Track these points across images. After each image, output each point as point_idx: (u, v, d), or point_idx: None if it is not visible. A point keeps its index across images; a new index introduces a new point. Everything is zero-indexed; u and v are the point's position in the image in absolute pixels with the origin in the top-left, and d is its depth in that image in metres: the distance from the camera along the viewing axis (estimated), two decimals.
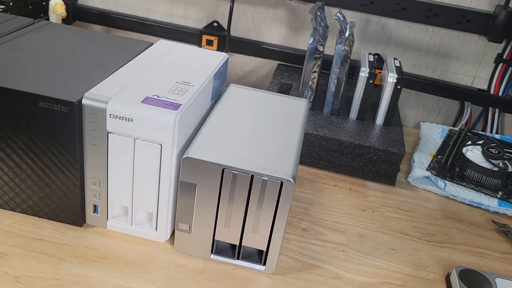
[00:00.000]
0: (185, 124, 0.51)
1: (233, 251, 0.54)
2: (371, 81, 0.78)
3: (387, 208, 0.69)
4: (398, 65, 0.81)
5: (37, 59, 0.55)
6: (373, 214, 0.67)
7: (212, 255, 0.53)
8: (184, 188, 0.50)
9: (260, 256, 0.54)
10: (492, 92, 0.94)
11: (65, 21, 1.00)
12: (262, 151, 0.51)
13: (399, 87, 0.77)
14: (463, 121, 0.97)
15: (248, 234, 0.51)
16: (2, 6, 0.84)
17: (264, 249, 0.52)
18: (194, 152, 0.48)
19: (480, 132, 0.89)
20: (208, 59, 0.63)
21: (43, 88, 0.49)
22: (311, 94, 0.81)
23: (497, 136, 0.90)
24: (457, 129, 0.89)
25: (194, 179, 0.49)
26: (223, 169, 0.48)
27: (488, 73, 0.94)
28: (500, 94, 0.94)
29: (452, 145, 0.81)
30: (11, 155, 0.52)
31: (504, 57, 0.91)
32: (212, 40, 0.98)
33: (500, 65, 0.92)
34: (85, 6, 1.03)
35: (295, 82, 0.91)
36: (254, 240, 0.52)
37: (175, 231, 0.53)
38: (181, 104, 0.49)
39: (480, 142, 0.81)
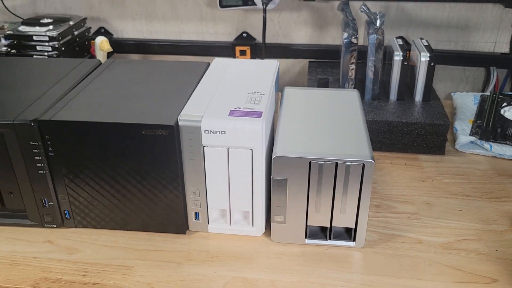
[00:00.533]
0: (267, 128, 0.57)
1: (324, 233, 0.61)
2: (405, 63, 0.84)
3: (444, 176, 0.75)
4: (427, 44, 0.87)
5: (122, 93, 0.62)
6: (433, 183, 0.73)
7: (306, 239, 0.60)
8: (277, 184, 0.56)
9: (348, 234, 0.60)
10: None
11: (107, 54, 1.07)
12: (337, 140, 0.57)
13: (432, 64, 0.83)
14: (491, 86, 1.03)
15: (337, 215, 0.58)
16: (56, 52, 0.92)
17: (353, 226, 0.59)
18: (281, 151, 0.55)
19: (510, 93, 0.94)
20: (263, 68, 0.70)
21: (143, 117, 0.56)
22: (352, 84, 0.87)
23: None
24: (487, 94, 0.95)
25: (284, 175, 0.56)
26: (310, 162, 0.55)
27: (507, 37, 1.00)
28: None
29: (489, 109, 0.87)
30: (120, 180, 0.59)
31: None
32: (245, 50, 1.05)
33: None
34: (121, 38, 1.10)
35: (330, 75, 0.98)
36: (343, 220, 0.58)
37: (271, 223, 0.60)
38: (262, 111, 0.56)
39: None
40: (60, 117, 0.56)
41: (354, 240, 0.60)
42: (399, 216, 0.66)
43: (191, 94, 0.62)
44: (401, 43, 0.88)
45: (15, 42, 0.92)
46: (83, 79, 0.68)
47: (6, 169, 0.59)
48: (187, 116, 0.56)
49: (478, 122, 0.86)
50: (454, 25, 1.00)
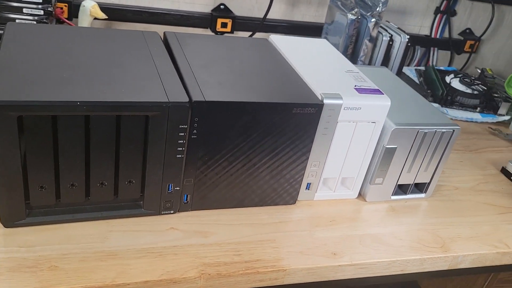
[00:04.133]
0: None
1: (400, 189, 0.72)
2: (391, 43, 0.99)
3: None
4: (397, 27, 1.04)
5: (234, 71, 0.61)
6: None
7: (392, 196, 0.71)
8: (387, 152, 0.66)
9: (417, 188, 0.73)
10: (432, 36, 1.25)
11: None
12: (422, 111, 0.69)
13: (409, 44, 1.01)
14: (415, 61, 1.27)
15: (421, 173, 0.70)
16: (46, 16, 0.78)
17: (428, 181, 0.72)
18: (398, 123, 0.64)
19: (442, 68, 1.20)
20: (323, 46, 0.76)
21: (291, 97, 0.57)
22: None
23: (442, 67, 1.22)
24: (421, 68, 1.18)
25: (395, 143, 0.65)
26: (418, 131, 0.65)
27: (430, 22, 1.24)
28: (438, 36, 1.26)
29: (437, 80, 1.09)
30: (253, 159, 0.59)
31: (441, 8, 1.22)
32: (227, 23, 1.06)
33: (438, 15, 1.23)
34: None
35: None
36: (423, 176, 0.71)
37: (370, 185, 0.69)
38: (378, 89, 0.64)
39: (452, 75, 1.12)
40: (212, 97, 0.54)
41: (425, 192, 0.73)
42: None
43: (299, 73, 0.65)
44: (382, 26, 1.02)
45: None
46: (171, 54, 0.63)
47: (134, 157, 0.54)
48: (327, 94, 0.60)
49: (428, 91, 1.08)
50: (395, 10, 1.19)
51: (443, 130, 0.67)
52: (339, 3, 0.98)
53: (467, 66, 1.32)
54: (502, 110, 1.06)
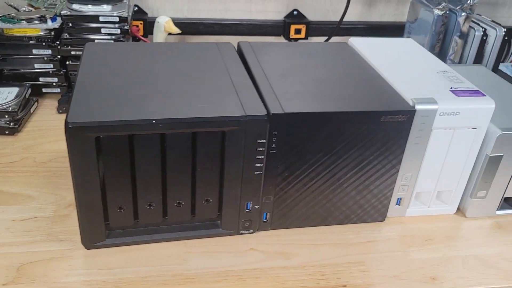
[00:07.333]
0: None
1: (507, 203, 0.64)
2: (484, 38, 0.90)
3: None
4: (490, 19, 0.94)
5: (311, 78, 0.57)
6: None
7: (497, 211, 0.63)
8: (492, 161, 0.58)
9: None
10: None
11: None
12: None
13: (506, 38, 0.90)
14: (511, 56, 1.14)
15: None
16: (123, 35, 0.79)
17: None
18: (504, 128, 0.56)
19: None
20: (408, 47, 0.69)
21: (378, 104, 0.52)
22: None
23: None
24: None
25: (501, 151, 0.57)
26: None
27: None
28: None
29: None
30: (336, 173, 0.54)
31: None
32: (301, 29, 1.02)
33: None
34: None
35: None
36: None
37: (471, 199, 0.61)
38: (478, 90, 0.56)
39: None
40: (291, 109, 0.50)
41: None
42: None
43: (385, 78, 0.59)
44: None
45: (70, 24, 0.77)
46: (247, 65, 0.60)
47: (211, 174, 0.51)
48: (420, 99, 0.53)
49: None
50: (485, 2, 1.08)
51: None
52: None
53: None
54: None
